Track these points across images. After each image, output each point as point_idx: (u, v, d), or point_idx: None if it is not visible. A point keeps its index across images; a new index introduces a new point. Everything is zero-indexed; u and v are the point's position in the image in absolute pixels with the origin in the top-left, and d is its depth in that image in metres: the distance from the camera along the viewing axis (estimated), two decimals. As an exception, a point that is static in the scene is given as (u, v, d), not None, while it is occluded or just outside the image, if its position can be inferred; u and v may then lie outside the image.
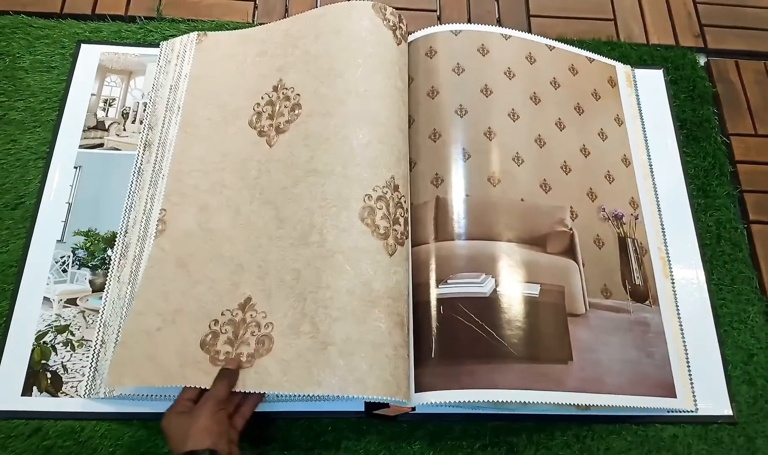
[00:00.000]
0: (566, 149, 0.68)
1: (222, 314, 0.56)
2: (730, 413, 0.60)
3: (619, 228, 0.65)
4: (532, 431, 0.58)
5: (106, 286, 0.61)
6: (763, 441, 0.60)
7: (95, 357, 0.58)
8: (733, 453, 0.59)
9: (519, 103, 0.68)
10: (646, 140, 0.73)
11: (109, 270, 0.62)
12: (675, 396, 0.58)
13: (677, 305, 0.64)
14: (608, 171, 0.68)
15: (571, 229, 0.63)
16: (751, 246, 0.70)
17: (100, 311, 0.60)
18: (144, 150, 0.67)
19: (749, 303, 0.66)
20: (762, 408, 0.61)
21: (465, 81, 0.68)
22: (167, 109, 0.69)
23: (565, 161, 0.67)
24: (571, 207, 0.64)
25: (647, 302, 0.62)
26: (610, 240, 0.64)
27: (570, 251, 0.62)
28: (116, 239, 0.63)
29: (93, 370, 0.57)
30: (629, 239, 0.65)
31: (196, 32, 0.73)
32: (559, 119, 0.69)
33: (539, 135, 0.67)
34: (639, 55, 0.80)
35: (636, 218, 0.67)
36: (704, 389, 0.60)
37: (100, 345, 0.58)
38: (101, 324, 0.59)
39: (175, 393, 0.53)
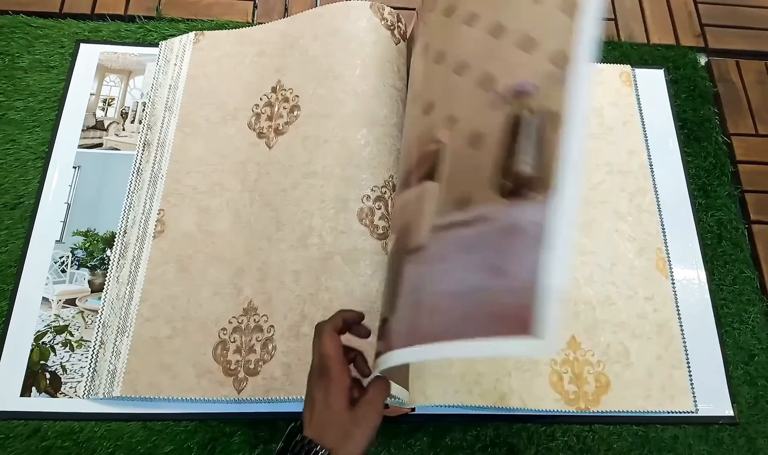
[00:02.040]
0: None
1: (229, 322, 0.56)
2: (731, 413, 0.60)
3: (520, 107, 0.37)
4: (532, 432, 0.58)
5: (105, 286, 0.61)
6: (764, 441, 0.59)
7: (94, 357, 0.58)
8: (734, 453, 0.59)
9: (518, 102, 0.66)
10: (646, 140, 0.73)
11: (108, 270, 0.62)
12: (529, 334, 0.30)
13: (678, 306, 0.64)
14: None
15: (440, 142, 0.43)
16: (752, 246, 0.70)
17: (99, 311, 0.60)
18: (143, 150, 0.67)
19: (750, 303, 0.66)
20: (763, 409, 0.61)
21: (464, 80, 0.66)
22: (166, 108, 0.68)
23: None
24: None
25: (535, 192, 0.33)
26: (495, 130, 0.38)
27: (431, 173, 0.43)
28: (115, 239, 0.63)
29: (92, 371, 0.57)
30: (528, 113, 0.36)
31: (194, 32, 0.73)
32: (559, 117, 0.67)
33: (538, 133, 0.65)
34: (639, 55, 0.79)
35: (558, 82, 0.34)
36: (705, 389, 0.60)
37: (99, 346, 0.58)
38: (100, 325, 0.59)
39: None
